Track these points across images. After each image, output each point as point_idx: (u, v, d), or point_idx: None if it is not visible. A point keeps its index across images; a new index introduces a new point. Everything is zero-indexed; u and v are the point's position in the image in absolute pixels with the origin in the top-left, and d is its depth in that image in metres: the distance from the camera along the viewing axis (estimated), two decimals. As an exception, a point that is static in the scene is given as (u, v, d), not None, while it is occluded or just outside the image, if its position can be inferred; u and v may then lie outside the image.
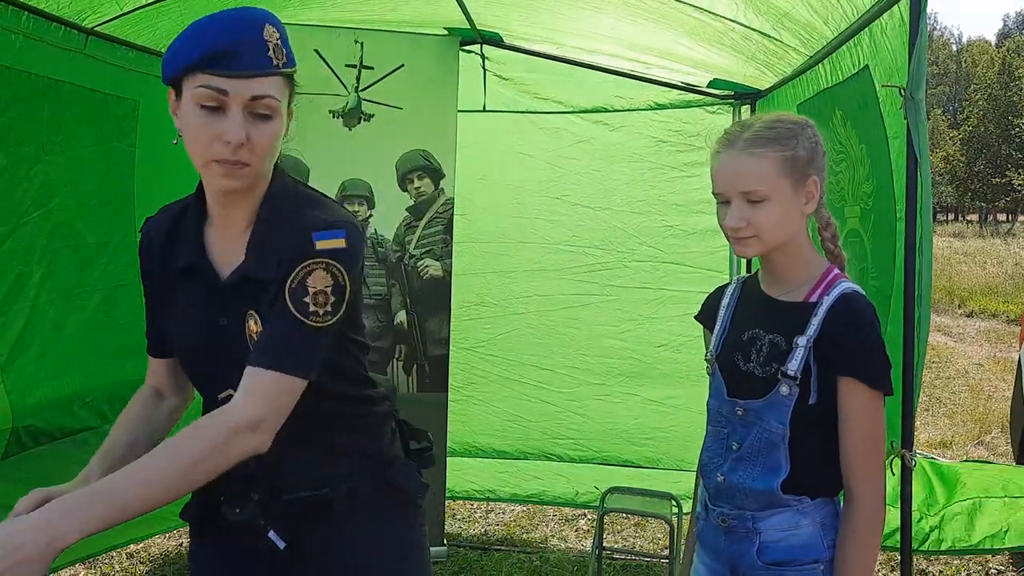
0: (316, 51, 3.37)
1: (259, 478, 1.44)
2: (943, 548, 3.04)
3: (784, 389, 1.56)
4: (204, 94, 1.28)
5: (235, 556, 1.52)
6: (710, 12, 2.87)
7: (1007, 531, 2.85)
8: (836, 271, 1.63)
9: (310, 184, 3.51)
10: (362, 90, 3.43)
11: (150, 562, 3.84)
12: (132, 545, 3.75)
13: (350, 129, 3.45)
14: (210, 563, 1.59)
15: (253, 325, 1.40)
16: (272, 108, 1.32)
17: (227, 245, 1.43)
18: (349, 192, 3.45)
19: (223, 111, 1.29)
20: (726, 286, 1.80)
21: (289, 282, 1.36)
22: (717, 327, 1.73)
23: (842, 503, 1.62)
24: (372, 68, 3.42)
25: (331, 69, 3.39)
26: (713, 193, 1.61)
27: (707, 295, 1.84)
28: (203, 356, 1.46)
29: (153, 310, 1.54)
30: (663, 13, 3.00)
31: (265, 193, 1.43)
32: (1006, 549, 2.64)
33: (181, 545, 4.01)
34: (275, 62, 1.31)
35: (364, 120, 3.46)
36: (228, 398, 1.37)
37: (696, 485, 1.85)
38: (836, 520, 1.61)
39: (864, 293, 1.60)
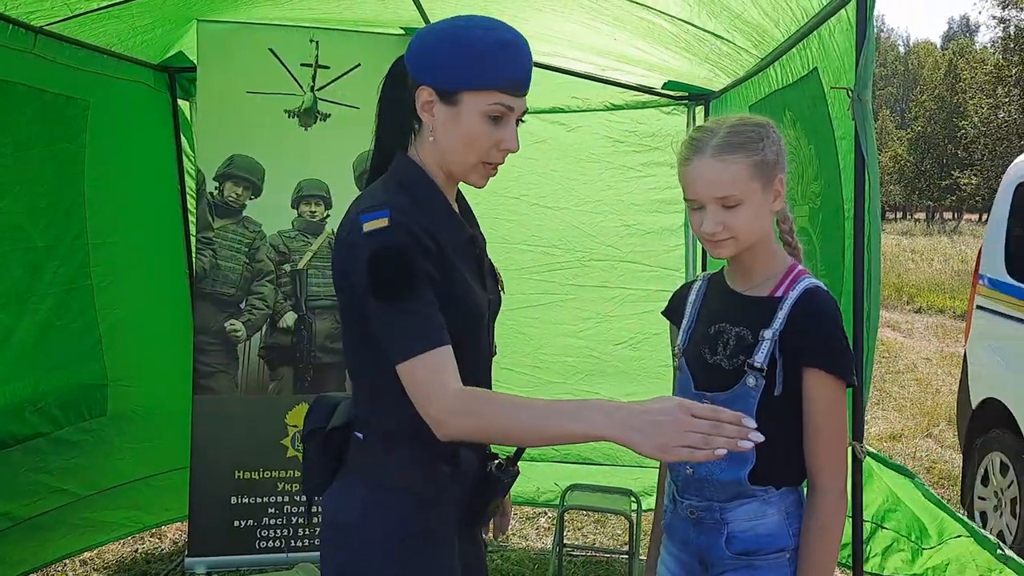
0: (271, 50, 3.34)
1: None
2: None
3: (751, 381, 1.61)
4: (497, 109, 1.48)
5: (453, 549, 1.60)
6: (665, 14, 2.91)
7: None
8: (799, 267, 1.68)
9: (265, 184, 3.41)
10: (318, 89, 3.41)
11: (104, 569, 3.78)
12: (86, 552, 3.69)
13: (306, 129, 3.43)
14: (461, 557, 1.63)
15: (496, 269, 1.70)
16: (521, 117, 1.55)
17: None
18: (306, 192, 3.43)
19: (503, 122, 1.50)
20: (693, 282, 1.84)
21: None
22: (684, 322, 1.77)
23: (805, 492, 1.67)
24: (328, 67, 3.40)
25: (286, 68, 3.37)
26: (685, 199, 1.64)
27: (673, 291, 1.88)
28: (485, 320, 1.59)
29: (434, 301, 1.47)
30: (618, 16, 3.03)
31: None
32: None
33: (136, 551, 3.96)
34: None
35: (320, 120, 3.44)
36: (494, 348, 1.65)
37: (661, 479, 1.88)
38: (800, 509, 1.66)
39: (827, 288, 1.66)
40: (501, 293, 1.70)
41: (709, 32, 2.97)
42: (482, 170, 1.54)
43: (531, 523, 4.41)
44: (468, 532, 1.65)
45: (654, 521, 1.91)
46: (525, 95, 1.52)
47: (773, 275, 1.67)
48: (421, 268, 1.43)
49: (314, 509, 1.73)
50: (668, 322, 1.88)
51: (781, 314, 1.61)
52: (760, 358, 1.60)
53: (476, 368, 1.58)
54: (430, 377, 1.39)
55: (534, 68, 3.77)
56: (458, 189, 1.69)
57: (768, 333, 1.60)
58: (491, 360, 1.66)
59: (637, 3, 2.87)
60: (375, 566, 1.52)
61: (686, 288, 1.85)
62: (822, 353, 1.59)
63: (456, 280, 1.50)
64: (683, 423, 1.22)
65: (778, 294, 1.64)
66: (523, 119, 1.56)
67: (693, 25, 2.94)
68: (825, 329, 1.60)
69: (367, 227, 1.42)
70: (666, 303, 1.90)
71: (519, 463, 1.65)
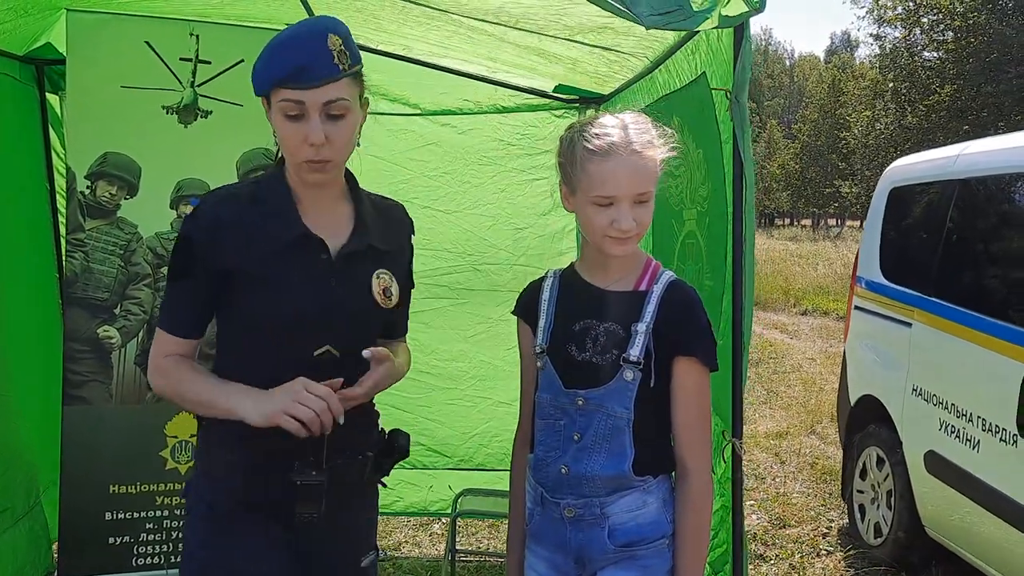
0: (147, 43, 3.18)
1: (328, 441, 1.60)
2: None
3: (628, 374, 1.62)
4: (286, 106, 1.54)
5: (259, 536, 1.65)
6: (548, 35, 2.91)
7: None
8: (654, 260, 1.70)
9: (142, 184, 3.25)
10: (198, 85, 3.27)
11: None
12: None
13: (186, 126, 3.28)
14: (235, 547, 1.65)
15: (383, 283, 1.70)
16: (344, 108, 1.56)
17: (322, 220, 1.66)
18: (186, 192, 3.28)
19: (304, 118, 1.54)
20: (542, 280, 1.82)
21: (410, 262, 1.83)
22: (541, 320, 1.75)
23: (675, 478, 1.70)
24: (209, 63, 3.26)
25: (164, 62, 3.22)
26: (593, 196, 1.59)
27: (522, 289, 1.85)
28: (309, 319, 1.62)
29: (196, 292, 1.65)
30: (502, 37, 3.02)
31: (346, 176, 1.73)
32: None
33: None
34: (341, 67, 1.54)
35: (201, 117, 3.30)
36: (326, 353, 1.64)
37: (516, 482, 1.85)
38: (673, 495, 1.69)
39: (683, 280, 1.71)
40: (378, 302, 1.69)
41: (595, 47, 2.98)
42: (306, 168, 1.58)
43: (424, 530, 4.34)
44: (304, 527, 1.65)
45: (511, 526, 1.88)
46: (318, 85, 1.52)
47: (633, 269, 1.69)
48: (193, 259, 1.61)
49: None
50: (517, 321, 1.83)
51: (650, 307, 1.63)
52: (636, 352, 1.62)
53: (294, 366, 1.61)
54: (155, 348, 1.69)
55: (425, 69, 3.73)
56: (369, 193, 1.78)
57: (641, 327, 1.62)
58: (326, 364, 1.65)
59: (519, 29, 2.87)
60: (188, 540, 1.73)
61: (536, 286, 1.82)
62: (694, 343, 1.63)
63: (266, 273, 1.60)
64: (294, 395, 1.48)
65: (642, 288, 1.66)
66: (338, 112, 1.55)
67: (578, 42, 2.95)
68: (697, 320, 1.65)
69: (188, 210, 1.67)
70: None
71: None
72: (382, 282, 1.70)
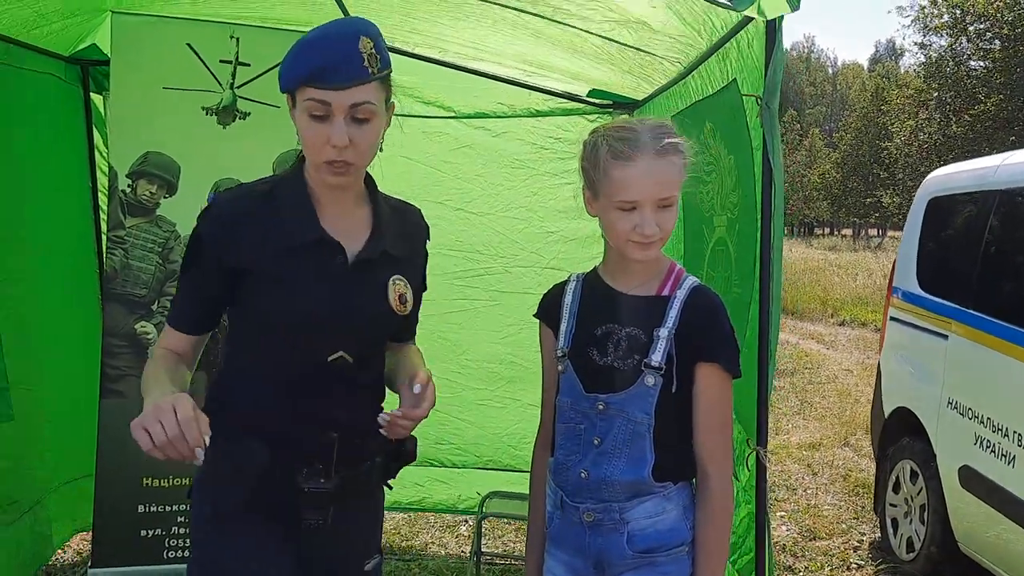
0: (188, 45, 3.25)
1: (339, 448, 1.60)
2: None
3: (649, 380, 1.61)
4: (311, 105, 1.50)
5: (267, 540, 1.62)
6: (586, 32, 2.92)
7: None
8: (678, 265, 1.69)
9: (181, 183, 3.31)
10: (238, 87, 3.33)
11: (2, 581, 3.60)
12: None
13: (224, 127, 3.34)
14: (240, 547, 1.62)
15: (399, 290, 1.68)
16: (370, 112, 1.53)
17: (340, 223, 1.64)
18: (223, 192, 3.34)
19: (329, 119, 1.50)
20: (565, 283, 1.81)
21: (424, 267, 1.82)
22: (563, 324, 1.75)
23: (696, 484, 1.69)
24: (248, 65, 3.32)
25: (205, 64, 3.28)
26: (617, 200, 1.59)
27: (544, 292, 1.85)
28: (321, 321, 1.60)
29: (203, 289, 1.63)
30: (539, 29, 3.04)
31: (366, 179, 1.71)
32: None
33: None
34: (370, 71, 1.51)
35: (240, 118, 3.36)
36: (339, 359, 1.63)
37: (536, 485, 1.85)
38: (693, 501, 1.68)
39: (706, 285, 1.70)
40: (394, 309, 1.67)
41: (630, 47, 2.99)
42: (327, 169, 1.55)
43: (451, 531, 4.36)
44: (313, 531, 1.64)
45: (530, 528, 1.88)
46: (346, 86, 1.49)
47: (656, 274, 1.68)
48: (203, 254, 1.59)
49: None
50: (540, 324, 1.83)
51: (673, 312, 1.62)
52: (657, 357, 1.61)
53: (307, 370, 1.61)
54: (159, 340, 1.69)
55: (460, 72, 3.76)
56: (387, 196, 1.75)
57: (663, 332, 1.62)
58: (339, 369, 1.64)
59: (556, 21, 2.88)
60: (195, 543, 1.69)
61: (559, 289, 1.81)
62: (717, 349, 1.62)
63: (280, 272, 1.58)
64: (158, 411, 1.35)
65: (665, 293, 1.66)
66: (363, 116, 1.52)
67: (613, 40, 2.96)
68: (718, 325, 1.64)
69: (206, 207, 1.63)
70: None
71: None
72: (398, 288, 1.68)
